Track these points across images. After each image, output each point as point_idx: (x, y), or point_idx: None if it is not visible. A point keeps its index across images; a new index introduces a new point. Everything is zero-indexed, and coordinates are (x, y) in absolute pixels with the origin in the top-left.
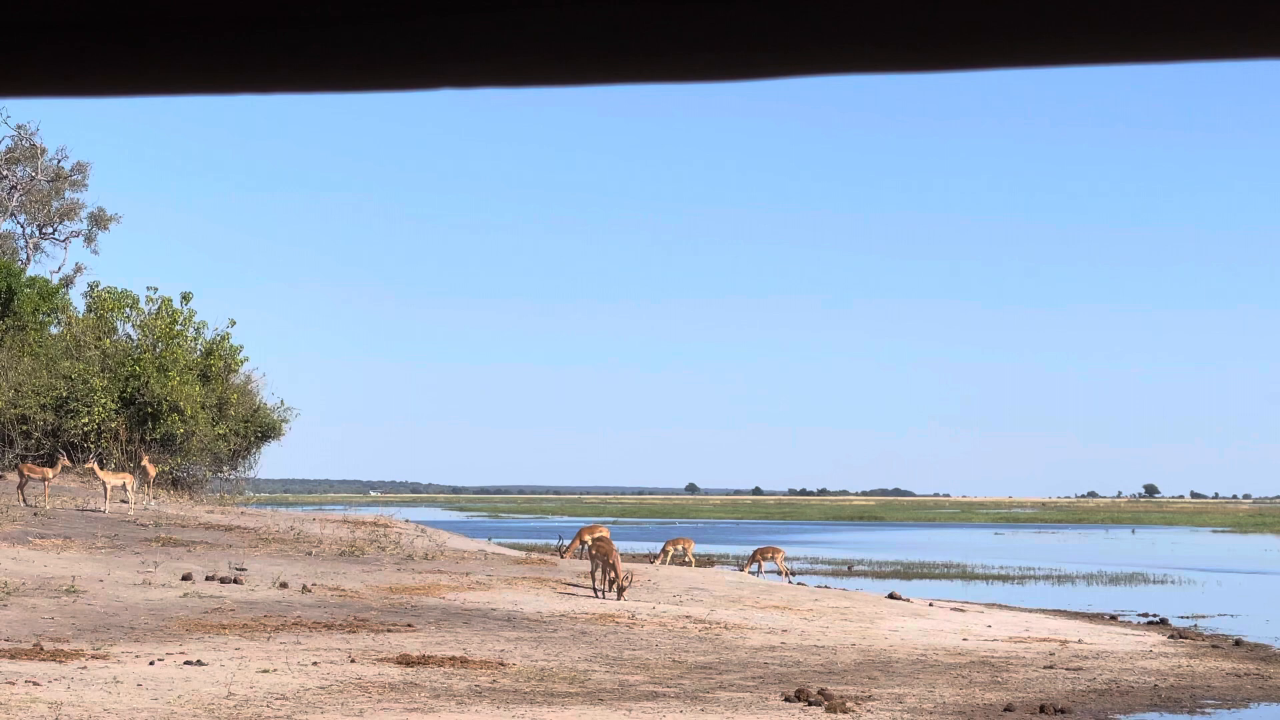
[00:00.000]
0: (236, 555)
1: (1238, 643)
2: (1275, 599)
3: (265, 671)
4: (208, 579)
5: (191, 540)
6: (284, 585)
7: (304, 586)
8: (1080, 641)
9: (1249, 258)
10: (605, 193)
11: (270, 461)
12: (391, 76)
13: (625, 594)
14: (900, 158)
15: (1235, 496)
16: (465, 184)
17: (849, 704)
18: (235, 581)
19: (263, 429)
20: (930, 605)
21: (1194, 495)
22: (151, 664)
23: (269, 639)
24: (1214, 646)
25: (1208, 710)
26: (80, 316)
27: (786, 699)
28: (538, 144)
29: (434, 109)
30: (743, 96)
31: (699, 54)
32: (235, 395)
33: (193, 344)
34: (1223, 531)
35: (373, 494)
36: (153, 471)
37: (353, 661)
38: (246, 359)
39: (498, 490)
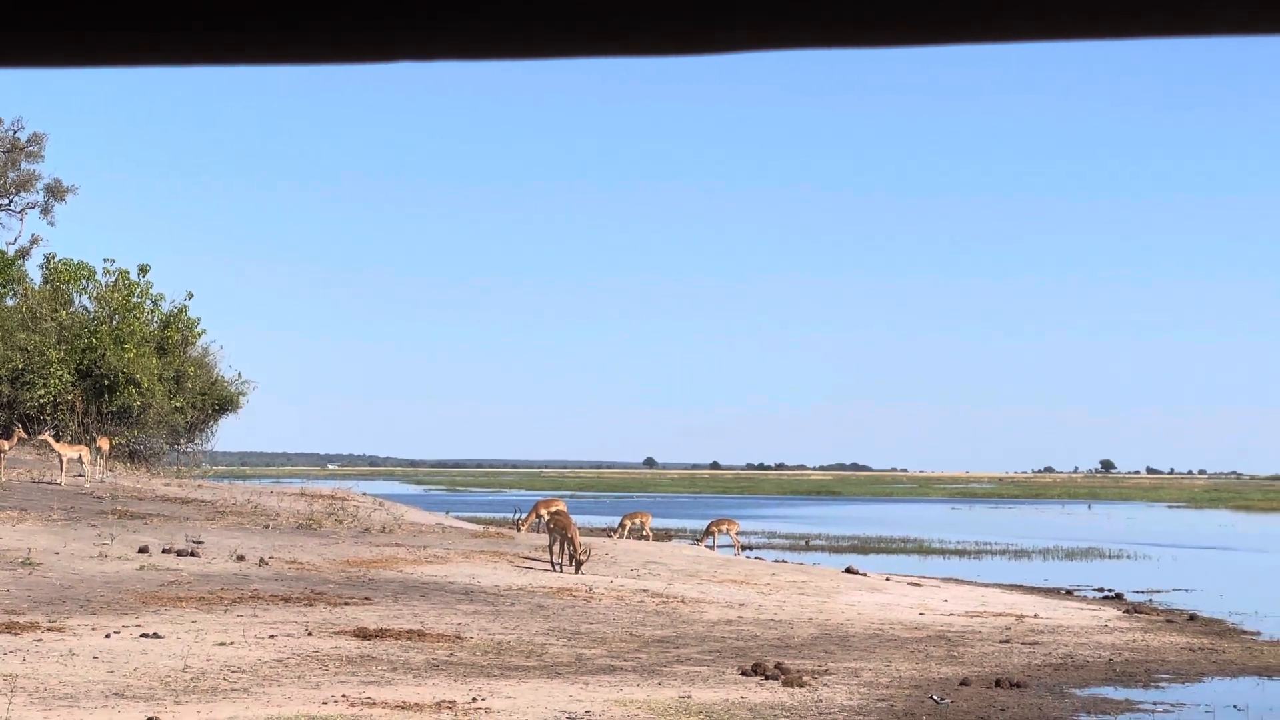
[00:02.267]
0: (193, 528)
1: (1192, 617)
2: (1229, 574)
3: (222, 644)
4: (164, 552)
5: (148, 513)
6: (241, 558)
7: (261, 559)
8: (1036, 616)
9: (1204, 232)
10: (567, 166)
11: (227, 434)
12: (349, 49)
13: (583, 568)
14: (863, 133)
15: (1191, 472)
16: (426, 161)
17: (806, 678)
18: (192, 554)
19: (220, 402)
20: (887, 580)
21: (1150, 470)
22: (108, 636)
23: (226, 612)
24: (1168, 621)
25: (1162, 684)
26: (36, 288)
27: (744, 672)
28: (499, 118)
29: (390, 85)
30: (673, 71)
31: (653, 27)
32: (192, 368)
33: (150, 316)
34: (1178, 507)
35: (330, 467)
36: (106, 447)
37: (309, 635)
38: (204, 332)
39: (455, 464)
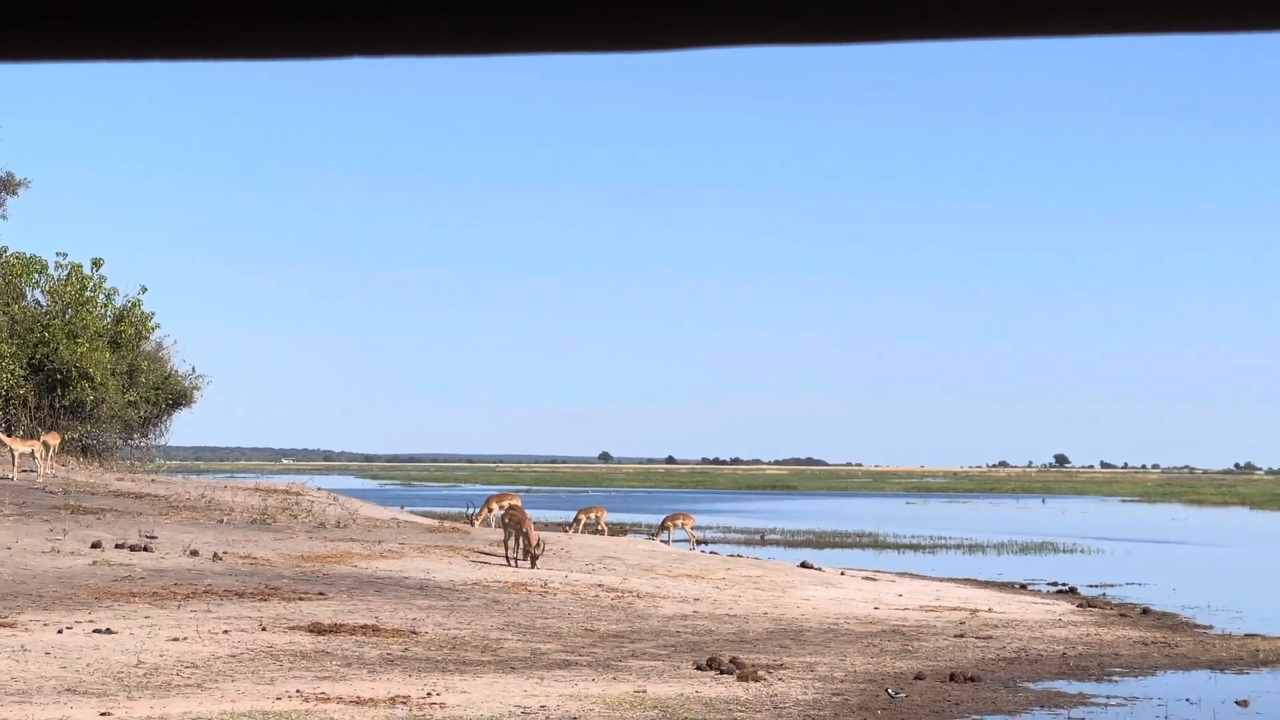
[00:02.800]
0: (147, 523)
1: (1145, 611)
2: (1182, 568)
3: (175, 640)
4: (117, 547)
5: (101, 508)
6: (195, 553)
7: (215, 554)
8: (990, 610)
9: (1156, 232)
10: (524, 160)
11: (181, 429)
12: (301, 44)
13: (538, 562)
14: (832, 131)
15: (1144, 466)
16: (380, 154)
17: (761, 672)
18: (145, 549)
19: (174, 396)
20: (842, 574)
21: (1104, 465)
22: (60, 632)
23: (179, 607)
24: (1122, 615)
25: (1115, 678)
26: None
27: (699, 667)
28: (455, 112)
29: (340, 79)
30: (650, 71)
31: (602, 22)
32: (146, 362)
33: (103, 310)
34: (1131, 501)
35: (285, 461)
36: (55, 442)
37: (264, 630)
38: (157, 326)
39: (410, 458)
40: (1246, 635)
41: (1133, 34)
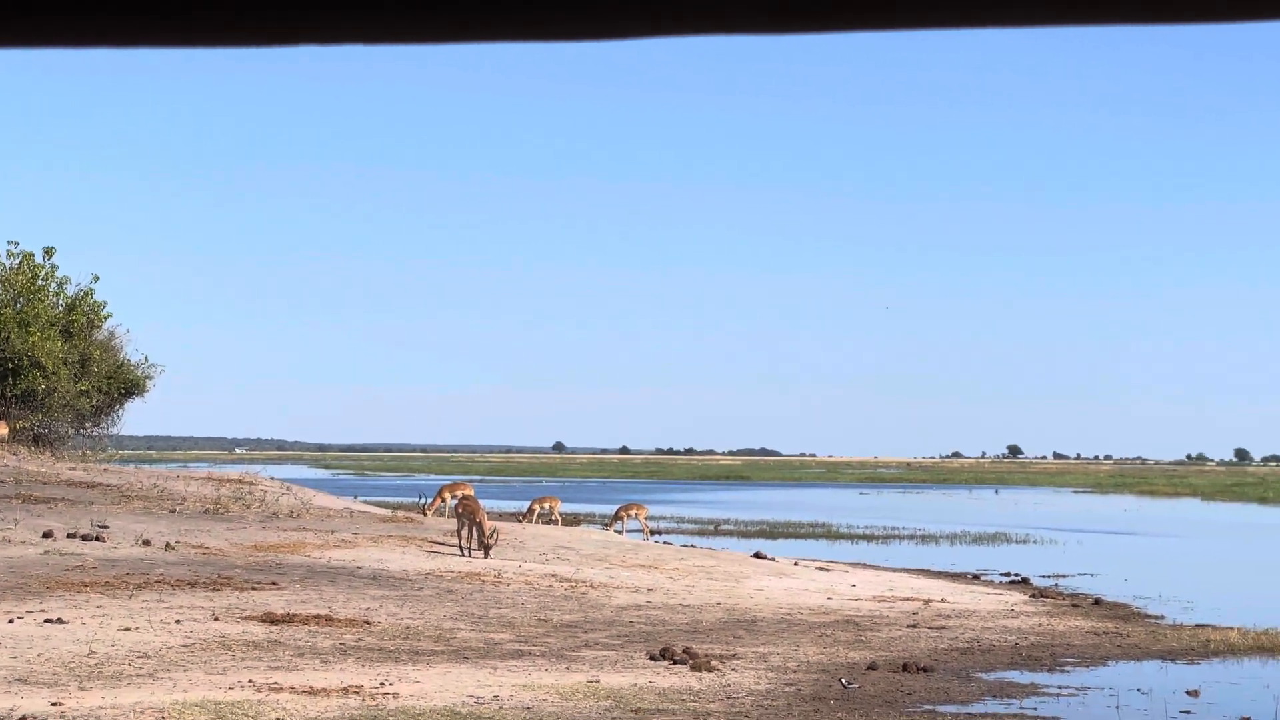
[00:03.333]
0: (99, 512)
1: (1097, 601)
2: (1134, 558)
3: (127, 629)
4: (69, 536)
5: (53, 497)
6: (147, 543)
7: (167, 544)
8: (943, 600)
9: (1110, 224)
10: (473, 149)
11: (134, 418)
12: (255, 32)
13: (491, 552)
14: (793, 123)
15: (1096, 457)
16: (330, 144)
17: (714, 662)
18: (97, 539)
19: (126, 385)
20: (795, 564)
21: (1056, 456)
22: (11, 622)
23: (131, 597)
24: (1074, 605)
25: (1067, 668)
26: None
27: (652, 657)
28: (408, 101)
29: (296, 69)
30: (609, 57)
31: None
32: (98, 351)
33: (55, 299)
34: (1084, 492)
35: (238, 451)
36: (3, 432)
37: (216, 619)
38: (110, 315)
39: (364, 448)
40: (1197, 625)
41: (1110, 24)
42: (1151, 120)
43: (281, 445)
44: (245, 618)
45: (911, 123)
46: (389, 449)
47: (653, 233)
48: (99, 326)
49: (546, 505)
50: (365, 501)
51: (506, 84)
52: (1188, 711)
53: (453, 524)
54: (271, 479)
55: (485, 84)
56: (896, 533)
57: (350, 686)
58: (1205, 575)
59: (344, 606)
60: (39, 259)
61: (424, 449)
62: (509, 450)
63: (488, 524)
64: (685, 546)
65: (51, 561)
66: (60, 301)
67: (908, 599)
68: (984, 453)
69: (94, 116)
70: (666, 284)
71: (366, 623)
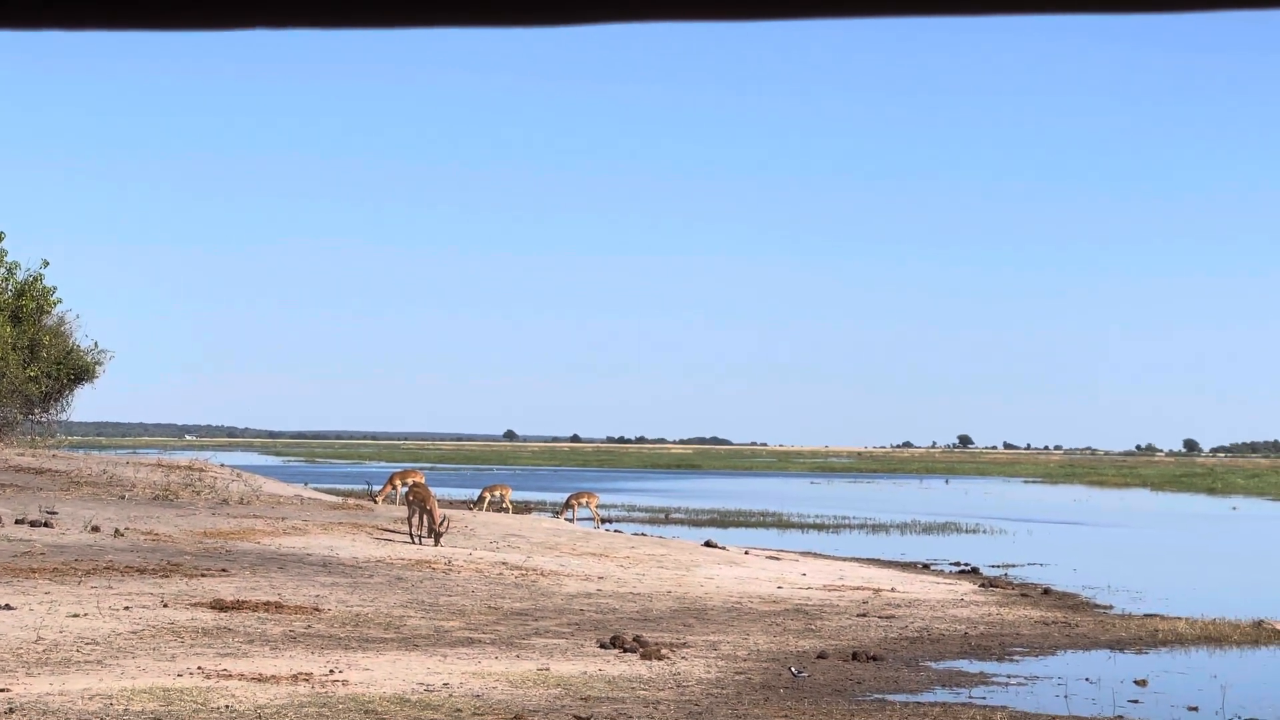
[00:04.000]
0: (47, 498)
1: (1046, 591)
2: (1083, 548)
3: (75, 616)
4: (18, 522)
5: (1, 483)
6: (96, 529)
7: (116, 530)
8: (893, 590)
9: (1059, 214)
10: (420, 136)
11: (83, 404)
12: (206, 16)
13: (442, 540)
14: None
15: (1047, 447)
16: (286, 124)
17: (664, 651)
18: (46, 525)
19: (76, 371)
20: (746, 553)
21: (1007, 446)
22: None
23: (80, 583)
24: (1023, 595)
25: (1016, 658)
26: None
27: (602, 645)
28: (368, 84)
29: (249, 53)
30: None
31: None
32: (48, 337)
33: (4, 284)
34: (1034, 482)
35: (188, 438)
36: None
37: (165, 606)
38: (59, 301)
39: (314, 435)
40: (1146, 615)
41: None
42: (1097, 112)
43: (232, 432)
44: (195, 604)
45: (864, 112)
46: (340, 436)
47: (605, 221)
48: (48, 312)
49: (497, 493)
50: (316, 489)
51: (457, 69)
52: (1136, 701)
53: (403, 511)
54: (222, 466)
55: (438, 69)
56: (847, 522)
57: (300, 674)
58: (1154, 565)
59: (294, 594)
60: None
61: (375, 436)
62: (460, 438)
63: (438, 511)
64: (636, 535)
65: (0, 548)
66: (9, 286)
67: (858, 588)
68: (934, 442)
69: (43, 100)
70: (618, 273)
71: (316, 610)
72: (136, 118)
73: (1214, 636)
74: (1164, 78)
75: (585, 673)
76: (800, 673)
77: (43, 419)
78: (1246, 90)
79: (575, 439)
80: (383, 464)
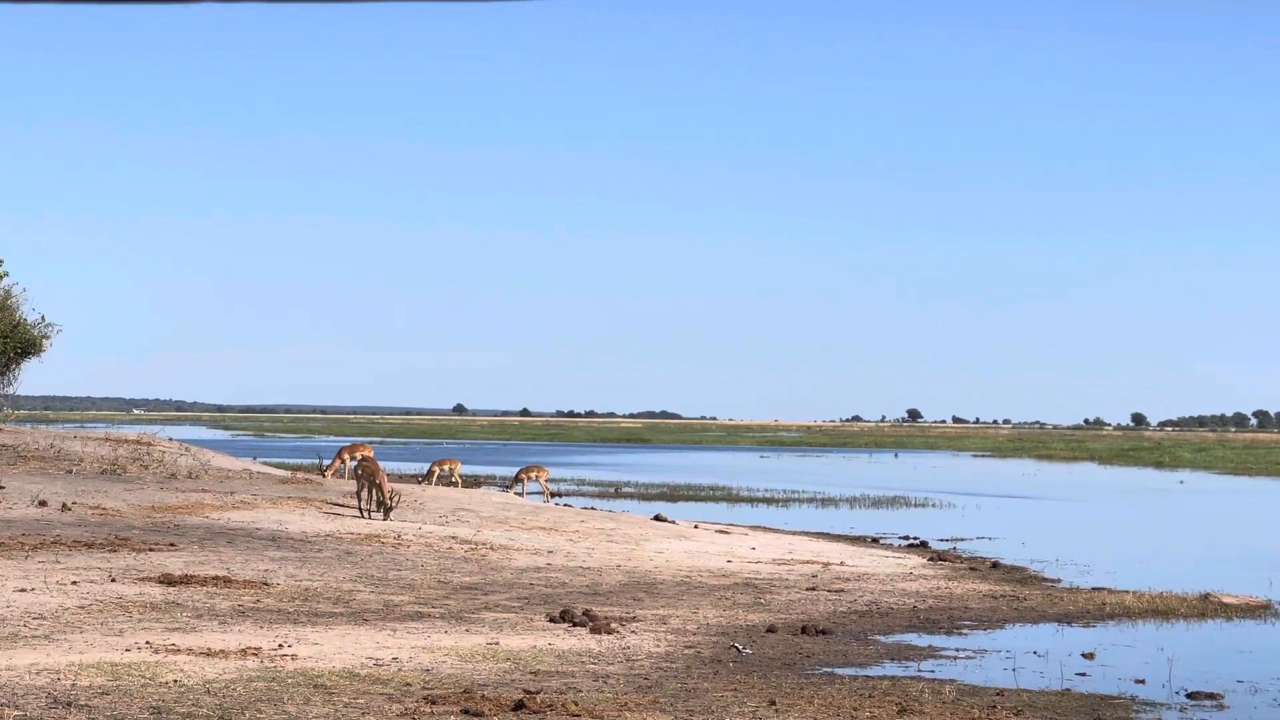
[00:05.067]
0: None
1: (995, 565)
2: (1031, 522)
3: (22, 590)
4: None
5: None
6: (43, 503)
7: (64, 505)
8: (842, 564)
9: (1006, 189)
10: (376, 109)
11: (30, 378)
12: None
13: (391, 514)
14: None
15: (995, 421)
16: (235, 96)
17: (614, 625)
18: None
19: (22, 345)
20: (695, 527)
21: (956, 420)
22: None
23: (27, 558)
24: (972, 569)
25: (965, 631)
26: None
27: (552, 619)
28: (311, 56)
29: (196, 24)
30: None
31: None
32: None
33: None
34: (983, 456)
35: (136, 412)
36: None
37: (113, 581)
38: (6, 274)
39: (263, 409)
40: (1093, 589)
41: None
42: (1044, 88)
43: (180, 406)
44: (143, 579)
45: (818, 93)
46: (288, 410)
47: (551, 198)
48: None
49: (446, 467)
50: (264, 463)
51: (403, 41)
52: (1083, 674)
53: (352, 485)
54: (170, 440)
55: (387, 42)
56: (796, 496)
57: (249, 648)
58: (1101, 539)
59: (242, 568)
60: None
61: (323, 410)
62: (409, 412)
63: (387, 486)
64: (585, 509)
65: None
66: None
67: (807, 562)
68: (884, 416)
69: None
70: (567, 247)
71: (265, 584)
72: (84, 89)
73: (1161, 610)
74: (1110, 59)
75: (535, 647)
76: (744, 650)
77: None
78: (1190, 69)
79: (525, 413)
80: (331, 438)
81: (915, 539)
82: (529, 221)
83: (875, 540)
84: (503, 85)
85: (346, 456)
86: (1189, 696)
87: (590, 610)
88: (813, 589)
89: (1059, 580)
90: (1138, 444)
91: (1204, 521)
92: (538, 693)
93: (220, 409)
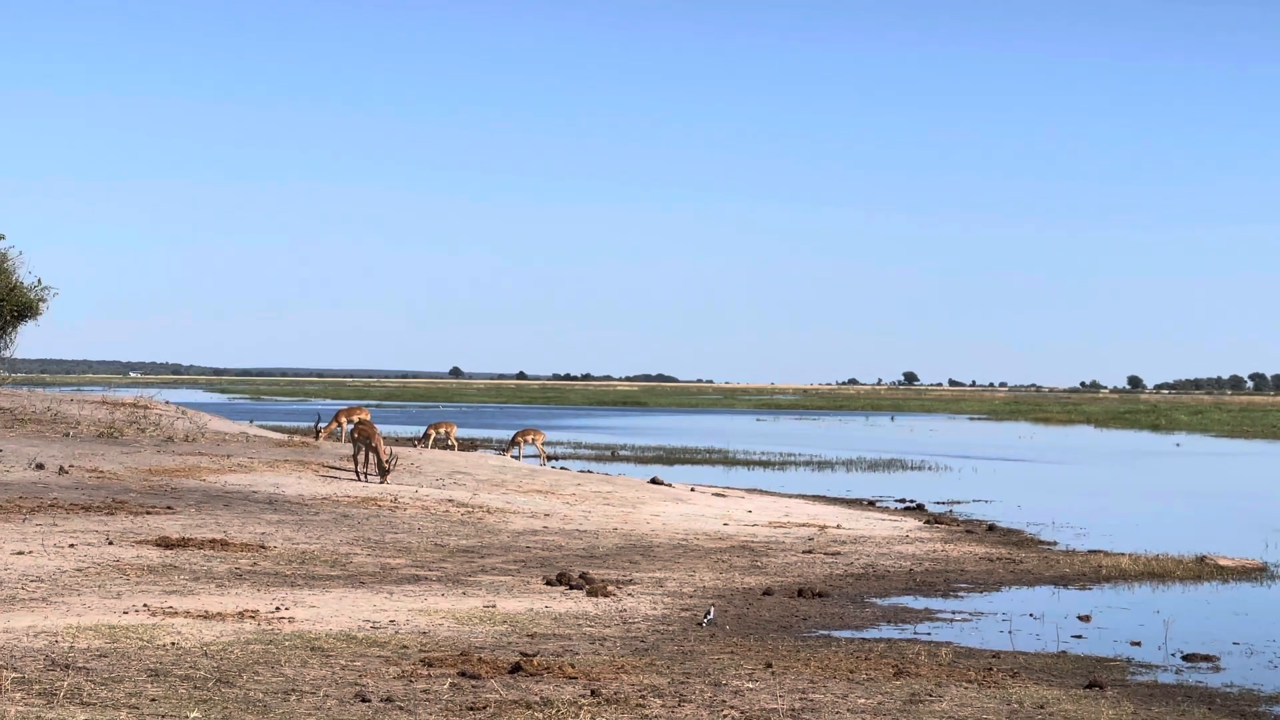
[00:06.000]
0: None
1: (991, 528)
2: (1027, 485)
3: (20, 554)
4: None
5: None
6: (40, 466)
7: (61, 468)
8: (839, 526)
9: (994, 156)
10: (377, 75)
11: (27, 341)
12: None
13: (388, 477)
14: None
15: (992, 384)
16: (231, 64)
17: (610, 587)
18: None
19: (19, 308)
20: (692, 490)
21: (952, 383)
22: None
23: (24, 521)
24: (968, 531)
25: (961, 594)
26: None
27: (548, 582)
28: (306, 22)
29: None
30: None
31: None
32: None
33: None
34: (979, 418)
35: (133, 375)
36: None
37: (110, 544)
38: (2, 236)
39: (260, 372)
40: (1090, 551)
41: None
42: (1029, 57)
43: (177, 369)
44: (140, 542)
45: (814, 60)
46: (285, 373)
47: (548, 165)
48: None
49: (443, 430)
50: (261, 426)
51: (392, 12)
52: (1079, 636)
53: (349, 449)
54: (167, 403)
55: (375, 10)
56: (793, 459)
57: (246, 611)
58: (1098, 502)
59: (239, 531)
60: None
61: (320, 373)
62: (406, 375)
63: (384, 449)
64: (582, 472)
65: None
66: None
67: (803, 525)
68: (880, 379)
69: None
70: (564, 213)
71: (262, 547)
72: (79, 55)
73: (1157, 572)
74: (1100, 36)
75: (531, 609)
76: (708, 616)
77: None
78: (1181, 42)
79: (521, 376)
80: (328, 401)
81: (912, 502)
82: (525, 187)
83: (871, 503)
84: (501, 50)
85: (344, 419)
86: (1185, 658)
87: (587, 573)
88: (809, 552)
89: (1055, 543)
90: (1134, 407)
91: (1200, 484)
92: (534, 655)
93: (217, 372)
